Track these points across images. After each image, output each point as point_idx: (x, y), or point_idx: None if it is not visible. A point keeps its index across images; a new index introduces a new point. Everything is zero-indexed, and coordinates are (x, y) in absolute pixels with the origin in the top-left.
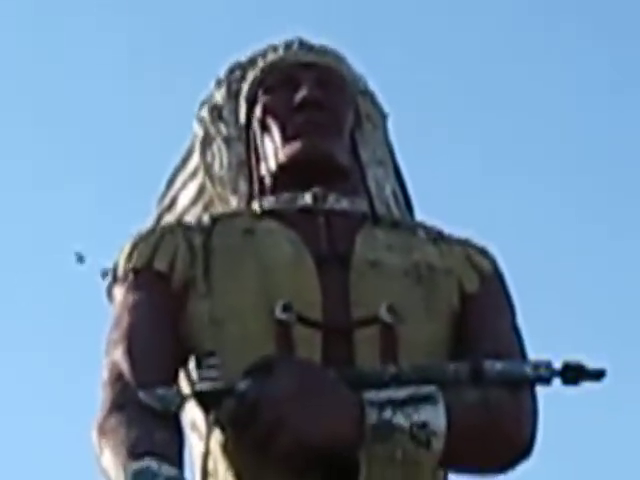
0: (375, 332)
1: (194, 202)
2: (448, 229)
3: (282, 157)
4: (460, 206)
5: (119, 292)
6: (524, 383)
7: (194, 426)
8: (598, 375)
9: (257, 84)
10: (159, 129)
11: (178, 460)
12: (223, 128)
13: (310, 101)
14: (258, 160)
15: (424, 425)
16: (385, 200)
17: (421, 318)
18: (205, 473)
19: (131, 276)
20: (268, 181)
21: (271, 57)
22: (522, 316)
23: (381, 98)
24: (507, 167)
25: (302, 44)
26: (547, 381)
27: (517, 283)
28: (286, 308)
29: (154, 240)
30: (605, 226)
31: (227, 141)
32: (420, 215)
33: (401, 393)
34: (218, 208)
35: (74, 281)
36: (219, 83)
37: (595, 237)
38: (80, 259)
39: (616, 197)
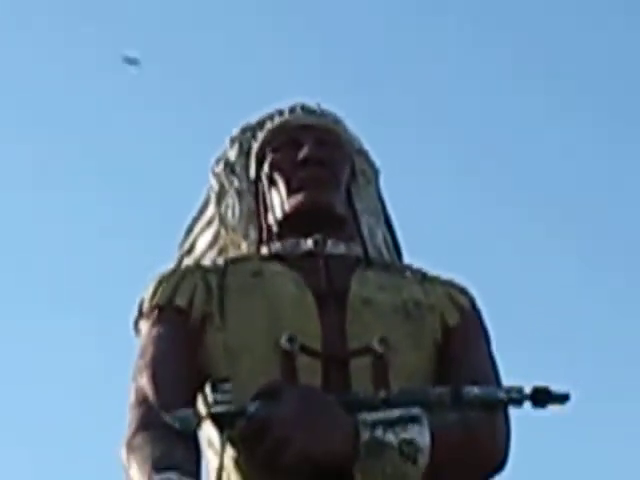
0: (368, 361)
1: (210, 247)
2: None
3: (287, 208)
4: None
5: (144, 326)
6: (498, 405)
7: (210, 443)
8: (563, 398)
9: (265, 144)
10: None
11: (196, 473)
12: (236, 182)
13: (312, 158)
14: (266, 210)
15: (411, 442)
16: (377, 245)
17: (409, 349)
18: None
19: (155, 312)
20: (275, 229)
21: (277, 120)
22: (498, 347)
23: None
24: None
25: (304, 108)
26: (518, 403)
27: (494, 319)
28: (290, 340)
29: (175, 280)
30: None
31: (239, 193)
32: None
33: (391, 414)
34: (231, 252)
35: None
36: (232, 142)
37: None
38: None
39: None
